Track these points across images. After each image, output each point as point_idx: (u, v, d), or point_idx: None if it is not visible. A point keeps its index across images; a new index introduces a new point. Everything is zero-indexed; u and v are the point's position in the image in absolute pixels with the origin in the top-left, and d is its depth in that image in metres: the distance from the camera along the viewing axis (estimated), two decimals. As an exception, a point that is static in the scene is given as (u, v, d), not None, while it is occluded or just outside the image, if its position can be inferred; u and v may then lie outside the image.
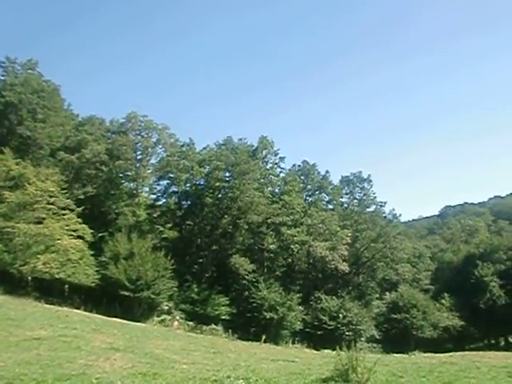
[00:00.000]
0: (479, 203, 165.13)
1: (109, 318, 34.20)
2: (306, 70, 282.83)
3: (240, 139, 64.31)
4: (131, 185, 63.51)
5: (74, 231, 43.50)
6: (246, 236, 59.24)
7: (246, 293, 51.20)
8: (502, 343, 61.92)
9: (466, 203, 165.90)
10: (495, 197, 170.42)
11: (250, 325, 48.53)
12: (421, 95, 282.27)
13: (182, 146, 62.66)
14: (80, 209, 46.55)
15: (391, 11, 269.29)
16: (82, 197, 53.87)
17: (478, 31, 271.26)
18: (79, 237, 43.60)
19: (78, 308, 36.97)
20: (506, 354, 33.66)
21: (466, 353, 37.75)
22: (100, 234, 50.66)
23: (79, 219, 44.91)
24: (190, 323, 46.70)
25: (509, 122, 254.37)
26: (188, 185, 60.87)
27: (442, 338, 58.59)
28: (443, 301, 62.08)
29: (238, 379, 13.03)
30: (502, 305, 59.61)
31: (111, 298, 41.38)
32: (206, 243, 59.50)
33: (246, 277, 52.23)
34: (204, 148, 63.63)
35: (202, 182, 60.50)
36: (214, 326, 47.33)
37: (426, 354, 39.81)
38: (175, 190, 61.19)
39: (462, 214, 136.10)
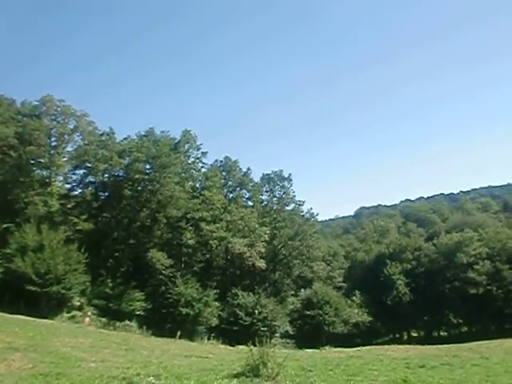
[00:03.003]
0: (391, 206, 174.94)
1: (11, 316, 31.87)
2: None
3: (162, 131, 62.57)
4: (44, 173, 59.49)
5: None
6: (164, 230, 58.21)
7: (163, 288, 50.60)
8: (405, 337, 66.56)
9: (379, 205, 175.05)
10: (406, 200, 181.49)
11: (166, 321, 47.78)
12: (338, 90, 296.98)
13: (102, 134, 60.10)
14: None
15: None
16: (-15, 183, 49.85)
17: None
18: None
19: (-25, 305, 34.18)
20: (407, 347, 36.25)
21: (372, 347, 39.75)
22: (5, 225, 47.15)
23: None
24: (103, 319, 44.94)
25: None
26: (106, 175, 58.58)
27: (351, 333, 61.58)
28: (354, 298, 65.15)
29: (149, 376, 12.69)
30: (405, 301, 63.78)
31: (15, 294, 38.64)
32: (123, 237, 57.79)
33: (163, 272, 51.55)
34: (125, 138, 61.45)
35: (120, 174, 58.51)
36: (127, 322, 45.84)
37: (336, 349, 41.35)
38: (92, 180, 58.78)
39: (375, 215, 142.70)
